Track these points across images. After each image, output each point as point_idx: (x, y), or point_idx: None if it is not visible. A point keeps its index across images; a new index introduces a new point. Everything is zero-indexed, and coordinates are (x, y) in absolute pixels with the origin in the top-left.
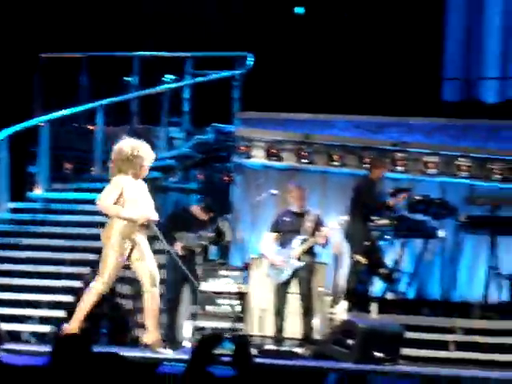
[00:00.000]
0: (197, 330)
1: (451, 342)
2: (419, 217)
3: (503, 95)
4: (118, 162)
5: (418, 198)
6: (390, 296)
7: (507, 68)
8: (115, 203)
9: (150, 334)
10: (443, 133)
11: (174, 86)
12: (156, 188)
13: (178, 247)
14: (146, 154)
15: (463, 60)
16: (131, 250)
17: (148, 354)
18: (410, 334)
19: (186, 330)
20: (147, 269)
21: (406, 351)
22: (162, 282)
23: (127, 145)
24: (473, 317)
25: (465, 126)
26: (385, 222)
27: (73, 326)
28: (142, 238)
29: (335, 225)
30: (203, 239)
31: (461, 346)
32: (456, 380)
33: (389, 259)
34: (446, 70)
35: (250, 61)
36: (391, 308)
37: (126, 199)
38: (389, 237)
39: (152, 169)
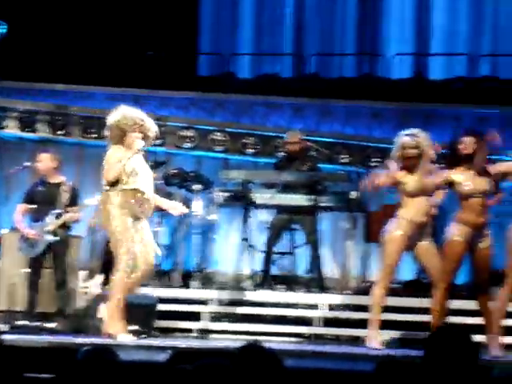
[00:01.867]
0: None
1: (206, 313)
2: (174, 190)
3: (257, 71)
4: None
5: (173, 171)
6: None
7: (261, 44)
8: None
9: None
10: (198, 107)
11: None
12: None
13: None
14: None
15: (218, 35)
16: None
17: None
18: (162, 307)
19: None
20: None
21: (161, 323)
22: None
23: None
24: (228, 288)
25: (219, 100)
26: None
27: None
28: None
29: (92, 201)
30: None
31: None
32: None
33: None
34: (201, 44)
35: (3, 29)
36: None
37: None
38: None
39: None
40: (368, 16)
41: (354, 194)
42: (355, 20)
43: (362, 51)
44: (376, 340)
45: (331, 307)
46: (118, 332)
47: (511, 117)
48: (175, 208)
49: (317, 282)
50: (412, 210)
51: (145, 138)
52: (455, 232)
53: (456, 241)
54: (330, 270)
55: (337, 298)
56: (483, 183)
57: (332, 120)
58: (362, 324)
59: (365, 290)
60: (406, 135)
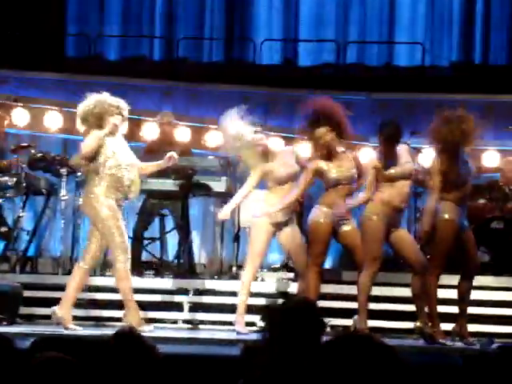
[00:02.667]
0: None
1: None
2: (40, 174)
3: (125, 53)
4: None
5: (38, 154)
6: (9, 254)
7: (130, 26)
8: None
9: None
10: (65, 88)
11: None
12: None
13: None
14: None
15: (86, 16)
16: None
17: None
18: (28, 293)
19: None
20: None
21: (25, 310)
22: None
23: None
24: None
25: (86, 82)
26: (4, 179)
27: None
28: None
29: None
30: None
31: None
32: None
33: (9, 217)
34: (68, 25)
35: None
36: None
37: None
38: (9, 194)
39: None
40: (237, 1)
41: (223, 180)
42: (225, 5)
43: (232, 36)
44: (243, 325)
45: (200, 292)
46: None
47: (378, 103)
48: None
49: (186, 268)
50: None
51: (123, 119)
52: (319, 215)
53: (321, 223)
54: (200, 255)
55: (207, 284)
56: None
57: (200, 104)
58: (232, 309)
59: (236, 276)
60: None
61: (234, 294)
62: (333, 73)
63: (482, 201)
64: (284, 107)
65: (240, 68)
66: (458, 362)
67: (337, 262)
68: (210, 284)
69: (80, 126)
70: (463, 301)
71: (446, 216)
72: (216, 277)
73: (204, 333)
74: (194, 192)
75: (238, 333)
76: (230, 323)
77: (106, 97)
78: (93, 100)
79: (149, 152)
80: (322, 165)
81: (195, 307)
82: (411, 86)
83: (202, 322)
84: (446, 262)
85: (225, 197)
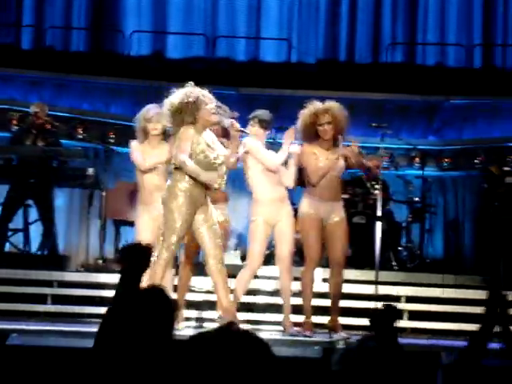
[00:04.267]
0: None
1: None
2: None
3: None
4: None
5: None
6: None
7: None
8: None
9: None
10: None
11: None
12: None
13: None
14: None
15: None
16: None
17: None
18: None
19: None
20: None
21: None
22: None
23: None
24: None
25: None
26: None
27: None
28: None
29: None
30: None
31: None
32: None
33: None
34: None
35: None
36: None
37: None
38: None
39: None
40: None
41: (90, 171)
42: None
43: (101, 26)
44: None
45: (65, 284)
46: None
47: (248, 98)
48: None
49: (51, 260)
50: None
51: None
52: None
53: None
54: (65, 247)
55: (71, 276)
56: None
57: (69, 95)
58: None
59: (101, 268)
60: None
61: (100, 286)
62: (202, 66)
63: (344, 196)
64: (153, 99)
65: (109, 59)
66: (319, 355)
67: None
68: (74, 276)
69: (170, 119)
70: (333, 295)
71: (305, 210)
72: (82, 269)
73: (66, 326)
74: (60, 183)
75: None
76: (96, 315)
77: (197, 89)
78: (183, 93)
79: (15, 142)
80: None
81: (59, 299)
82: (278, 81)
83: (66, 315)
84: (317, 256)
85: (92, 188)
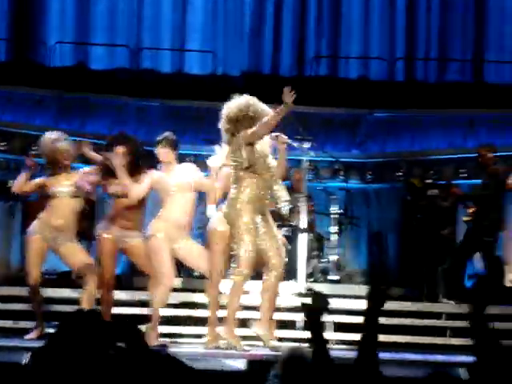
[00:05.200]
0: None
1: None
2: None
3: None
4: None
5: None
6: None
7: None
8: None
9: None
10: None
11: None
12: None
13: None
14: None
15: None
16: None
17: None
18: None
19: None
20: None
21: None
22: None
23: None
24: None
25: None
26: None
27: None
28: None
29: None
30: None
31: None
32: None
33: None
34: None
35: None
36: None
37: None
38: None
39: None
40: (26, 4)
41: (11, 183)
42: (11, 5)
43: (21, 37)
44: (34, 331)
45: None
46: None
47: (171, 110)
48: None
49: None
50: None
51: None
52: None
53: (104, 238)
54: None
55: None
56: None
57: None
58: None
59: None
60: None
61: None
62: (126, 78)
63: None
64: (75, 110)
65: (30, 69)
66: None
67: None
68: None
69: (224, 126)
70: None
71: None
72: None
73: None
74: None
75: (27, 339)
76: (23, 330)
77: (254, 99)
78: (243, 101)
79: None
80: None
81: None
82: (203, 94)
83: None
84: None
85: (13, 200)
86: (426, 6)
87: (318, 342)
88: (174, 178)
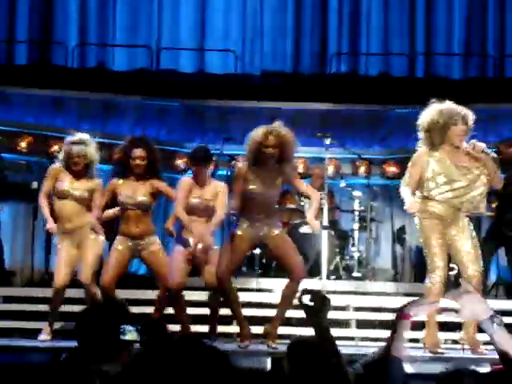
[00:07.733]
0: None
1: None
2: None
3: None
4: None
5: None
6: None
7: None
8: None
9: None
10: None
11: None
12: None
13: None
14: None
15: None
16: None
17: None
18: None
19: None
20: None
21: None
22: None
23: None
24: None
25: None
26: None
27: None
28: None
29: None
30: None
31: None
32: None
33: None
34: None
35: None
36: None
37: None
38: None
39: None
40: (44, 3)
41: (35, 185)
42: (31, 7)
43: (42, 39)
44: (46, 331)
45: (12, 300)
46: None
47: (192, 109)
48: None
49: None
50: None
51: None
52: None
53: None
54: (10, 261)
55: (18, 291)
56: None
57: (11, 108)
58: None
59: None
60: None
61: (46, 300)
62: (146, 78)
63: (291, 206)
64: (96, 111)
65: (53, 72)
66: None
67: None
68: (21, 291)
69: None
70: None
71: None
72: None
73: (16, 341)
74: (2, 196)
75: (41, 340)
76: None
77: (449, 106)
78: (438, 108)
79: None
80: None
81: (6, 315)
82: (224, 93)
83: (15, 330)
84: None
85: (36, 202)
86: (447, 1)
87: (323, 340)
88: None
